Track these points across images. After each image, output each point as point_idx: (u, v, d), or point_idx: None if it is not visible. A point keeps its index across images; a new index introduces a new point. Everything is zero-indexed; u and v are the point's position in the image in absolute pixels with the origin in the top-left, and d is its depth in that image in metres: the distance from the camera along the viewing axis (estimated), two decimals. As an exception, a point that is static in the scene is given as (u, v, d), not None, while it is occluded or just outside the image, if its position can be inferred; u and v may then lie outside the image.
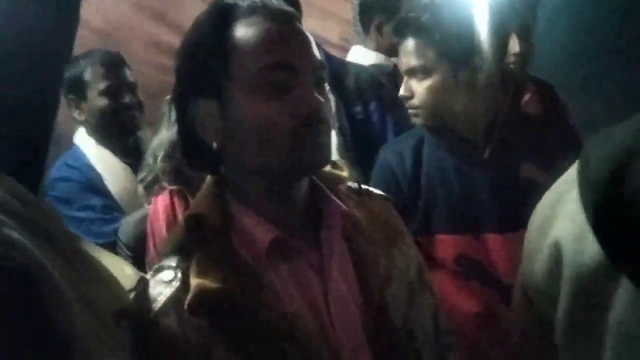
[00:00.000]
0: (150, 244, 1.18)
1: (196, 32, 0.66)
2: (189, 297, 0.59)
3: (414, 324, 0.72)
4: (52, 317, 0.46)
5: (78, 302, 0.48)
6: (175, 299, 0.61)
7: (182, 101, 0.67)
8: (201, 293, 0.60)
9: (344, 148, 1.39)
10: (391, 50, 1.95)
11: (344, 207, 0.70)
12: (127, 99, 1.45)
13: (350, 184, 0.77)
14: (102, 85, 1.43)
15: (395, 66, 1.97)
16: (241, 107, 0.63)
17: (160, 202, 1.19)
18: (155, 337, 0.60)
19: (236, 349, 0.60)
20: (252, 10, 0.64)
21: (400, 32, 1.07)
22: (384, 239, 0.73)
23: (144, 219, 1.21)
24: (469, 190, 1.06)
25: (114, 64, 1.46)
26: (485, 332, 1.03)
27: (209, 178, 0.71)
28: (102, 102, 1.44)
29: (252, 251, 0.65)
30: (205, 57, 0.64)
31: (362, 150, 1.38)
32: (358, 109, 1.46)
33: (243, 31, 0.64)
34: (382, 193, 0.81)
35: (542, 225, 0.70)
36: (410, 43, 1.05)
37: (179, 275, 0.63)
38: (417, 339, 0.72)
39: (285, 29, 0.64)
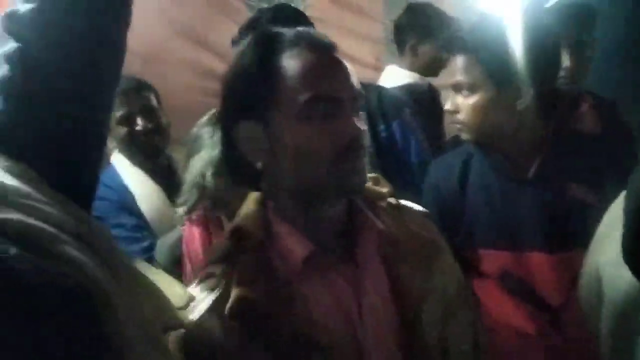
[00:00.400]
0: (187, 266, 1.20)
1: (243, 59, 0.72)
2: (229, 303, 0.66)
3: (450, 342, 0.73)
4: (106, 332, 0.48)
5: (127, 316, 0.51)
6: (217, 305, 0.67)
7: (227, 123, 0.72)
8: (239, 301, 0.66)
9: (369, 166, 1.40)
10: (426, 70, 1.97)
11: (380, 224, 0.74)
12: (141, 125, 1.48)
13: (391, 200, 0.80)
14: (117, 113, 1.46)
15: (431, 85, 1.98)
16: (285, 131, 0.68)
17: (196, 226, 1.22)
18: (196, 339, 0.66)
19: (267, 356, 0.65)
20: (296, 41, 0.70)
21: (449, 49, 1.10)
22: (422, 256, 0.76)
23: (179, 240, 1.24)
24: (513, 208, 1.07)
25: (127, 91, 1.48)
26: (529, 350, 1.03)
27: (252, 194, 0.77)
28: (120, 130, 1.48)
29: (288, 264, 0.70)
30: (251, 83, 0.69)
31: (387, 168, 1.39)
32: (381, 127, 1.49)
33: (289, 61, 0.69)
34: (422, 209, 0.84)
35: (592, 249, 0.73)
36: (458, 60, 1.07)
37: (222, 282, 0.69)
38: (452, 358, 0.73)
39: (328, 61, 0.70)
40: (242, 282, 0.68)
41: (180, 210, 1.22)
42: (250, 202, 0.76)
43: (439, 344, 0.72)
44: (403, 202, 0.81)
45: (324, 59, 0.69)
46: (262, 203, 0.75)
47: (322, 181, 0.67)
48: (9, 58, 0.57)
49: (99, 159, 0.64)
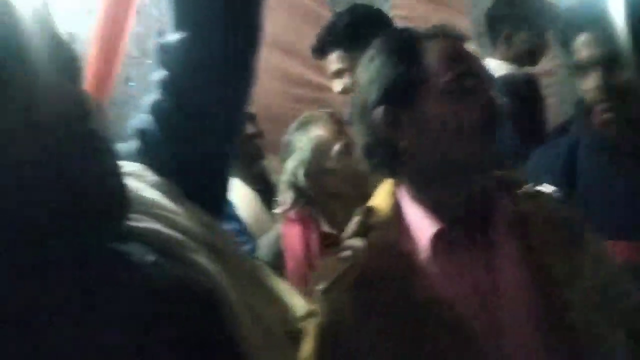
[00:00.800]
0: (289, 263, 1.29)
1: (380, 54, 0.80)
2: (352, 274, 0.72)
3: (601, 328, 0.73)
4: (231, 336, 0.52)
5: (251, 321, 0.54)
6: (344, 277, 0.74)
7: (368, 111, 0.80)
8: (362, 272, 0.72)
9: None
10: (523, 59, 1.90)
11: (514, 206, 0.77)
12: (248, 130, 1.59)
13: (528, 186, 0.83)
14: None
15: (529, 75, 1.91)
16: (433, 111, 0.75)
17: (295, 224, 1.31)
18: (322, 309, 0.73)
19: (389, 330, 0.70)
20: (432, 34, 0.79)
21: (575, 27, 1.08)
22: (564, 240, 0.76)
23: (279, 238, 1.34)
24: (632, 195, 1.04)
25: None
26: None
27: (386, 181, 0.84)
28: None
29: (417, 242, 0.75)
30: (393, 72, 0.77)
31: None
32: None
33: (430, 48, 0.77)
34: (561, 195, 0.87)
35: None
36: (584, 37, 1.05)
37: (351, 257, 0.76)
38: (604, 343, 0.72)
39: (463, 44, 0.79)
40: (369, 257, 0.74)
41: (278, 209, 1.31)
42: (383, 186, 0.83)
43: (588, 330, 0.71)
44: (540, 188, 0.84)
45: (461, 44, 0.79)
46: (394, 186, 0.81)
47: (468, 153, 0.73)
48: (160, 84, 0.67)
49: (229, 172, 0.73)
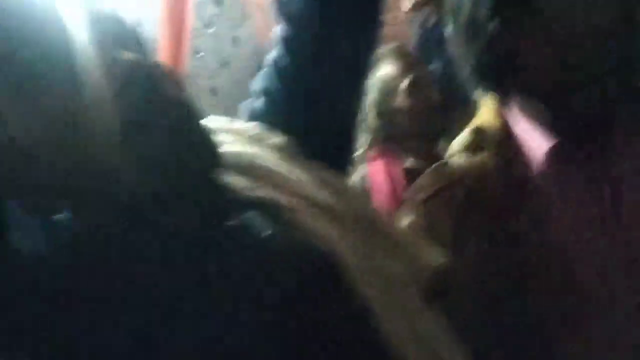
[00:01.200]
0: (376, 200, 1.36)
1: None
2: (454, 189, 0.73)
3: None
4: (353, 301, 0.52)
5: (376, 282, 0.54)
6: (445, 189, 0.74)
7: (477, 26, 0.72)
8: (467, 191, 0.72)
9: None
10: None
11: None
12: None
13: None
14: None
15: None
16: (557, 14, 0.67)
17: (378, 160, 1.38)
18: (419, 217, 0.74)
19: (488, 251, 0.69)
20: None
21: None
22: None
23: (364, 178, 1.41)
24: None
25: None
26: None
27: (491, 98, 0.80)
28: None
29: (529, 160, 0.71)
30: None
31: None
32: None
33: None
34: None
35: None
36: None
37: (455, 174, 0.75)
38: None
39: None
40: (477, 176, 0.72)
41: (358, 152, 1.37)
42: (486, 106, 0.79)
43: None
44: None
45: None
46: (502, 106, 0.76)
47: (594, 57, 0.66)
48: (280, 39, 0.65)
49: (356, 128, 0.71)
